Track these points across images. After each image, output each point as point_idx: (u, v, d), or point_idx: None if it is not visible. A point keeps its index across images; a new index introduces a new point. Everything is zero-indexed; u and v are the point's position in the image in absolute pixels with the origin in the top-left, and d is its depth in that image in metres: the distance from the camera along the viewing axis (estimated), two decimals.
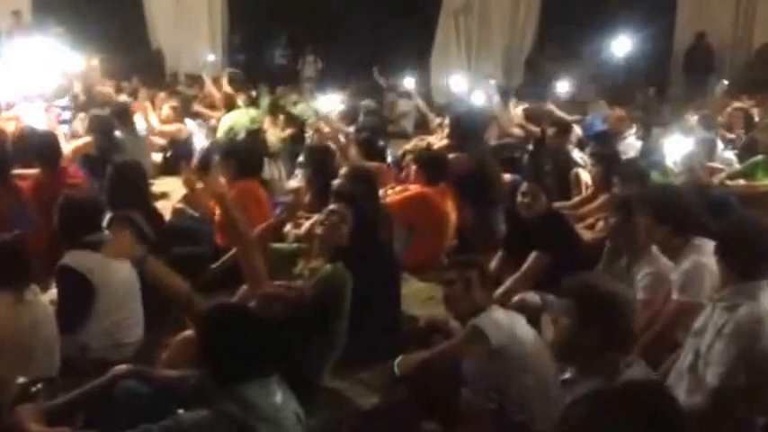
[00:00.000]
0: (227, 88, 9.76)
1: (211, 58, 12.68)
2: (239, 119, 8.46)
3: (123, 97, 9.58)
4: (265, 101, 9.60)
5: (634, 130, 8.05)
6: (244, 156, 5.33)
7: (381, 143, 6.92)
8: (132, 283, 3.75)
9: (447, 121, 7.20)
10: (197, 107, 9.77)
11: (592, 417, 1.56)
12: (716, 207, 4.29)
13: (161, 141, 8.45)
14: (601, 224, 5.09)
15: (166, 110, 8.92)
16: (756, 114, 9.16)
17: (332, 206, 3.95)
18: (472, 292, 3.10)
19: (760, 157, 6.29)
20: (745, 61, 13.65)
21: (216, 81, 10.26)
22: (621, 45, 12.24)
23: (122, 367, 2.81)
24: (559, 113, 8.86)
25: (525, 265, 4.37)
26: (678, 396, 2.78)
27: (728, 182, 6.09)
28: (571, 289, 2.52)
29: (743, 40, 13.73)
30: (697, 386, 2.75)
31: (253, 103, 8.88)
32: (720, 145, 7.22)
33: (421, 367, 2.99)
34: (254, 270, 3.53)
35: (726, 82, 9.90)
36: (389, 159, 7.12)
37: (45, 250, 4.10)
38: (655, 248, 3.63)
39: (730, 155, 7.08)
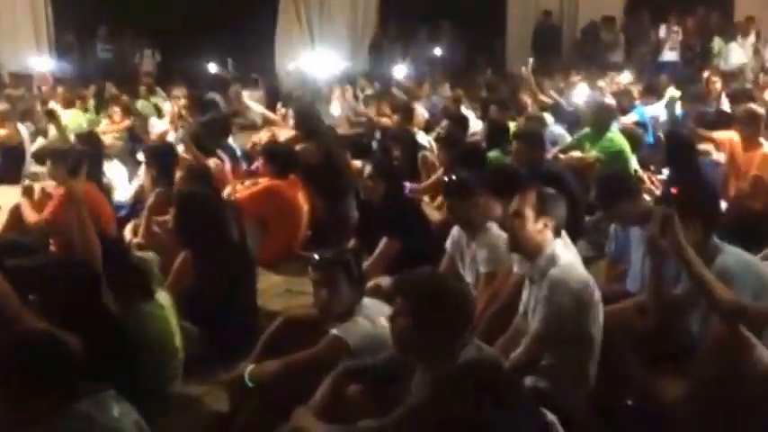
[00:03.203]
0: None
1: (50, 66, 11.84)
2: (73, 120, 7.98)
3: None
4: (91, 101, 9.16)
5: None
6: (75, 158, 5.02)
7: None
8: None
9: (291, 112, 7.18)
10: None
11: (435, 401, 1.61)
12: (548, 180, 4.55)
13: None
14: None
15: None
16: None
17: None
18: (340, 293, 3.05)
19: (587, 129, 6.74)
20: (572, 39, 14.57)
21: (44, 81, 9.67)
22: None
23: None
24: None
25: (377, 251, 4.45)
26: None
27: (561, 155, 6.50)
28: (402, 289, 2.50)
29: (570, 18, 14.64)
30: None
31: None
32: (550, 119, 7.69)
33: (276, 378, 2.93)
34: None
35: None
36: (238, 153, 7.00)
37: None
38: (491, 223, 3.83)
39: (561, 129, 7.55)
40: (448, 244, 4.14)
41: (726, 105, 7.96)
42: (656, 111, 8.43)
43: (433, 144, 7.01)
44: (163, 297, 3.35)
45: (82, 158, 4.75)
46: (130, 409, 2.26)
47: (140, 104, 9.83)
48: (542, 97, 8.48)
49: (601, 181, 4.15)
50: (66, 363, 2.14)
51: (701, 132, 6.26)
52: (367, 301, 3.16)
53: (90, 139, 6.42)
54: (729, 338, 2.55)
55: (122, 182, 6.30)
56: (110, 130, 8.45)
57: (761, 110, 5.91)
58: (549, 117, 7.76)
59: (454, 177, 4.10)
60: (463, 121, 7.41)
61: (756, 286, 3.02)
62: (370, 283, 4.11)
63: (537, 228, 2.97)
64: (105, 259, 3.36)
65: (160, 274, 3.75)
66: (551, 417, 2.61)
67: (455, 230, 4.11)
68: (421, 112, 8.61)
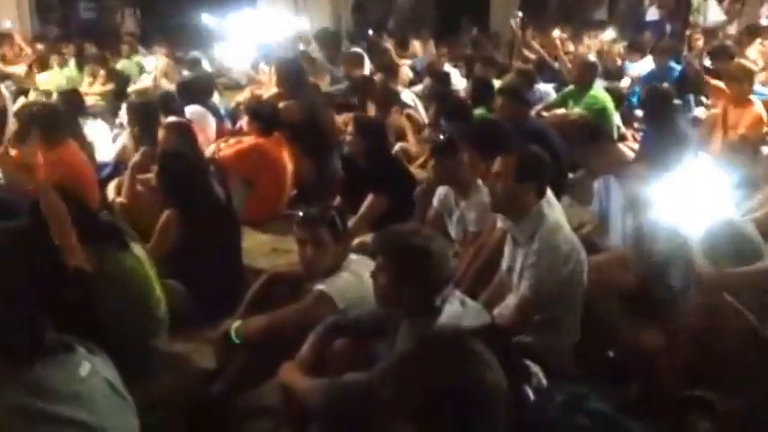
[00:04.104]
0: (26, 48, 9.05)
1: (7, 24, 11.46)
2: (53, 79, 7.85)
3: None
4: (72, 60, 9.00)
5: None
6: (49, 119, 4.93)
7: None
8: None
9: (273, 69, 7.09)
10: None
11: (418, 366, 1.62)
12: (532, 137, 4.55)
13: None
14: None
15: None
16: (571, 45, 9.79)
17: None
18: (326, 250, 3.02)
19: (570, 86, 6.72)
20: None
21: (25, 40, 9.49)
22: None
23: None
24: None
25: (362, 209, 4.46)
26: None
27: (544, 113, 6.48)
28: (382, 246, 2.49)
29: None
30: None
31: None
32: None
33: (263, 334, 2.93)
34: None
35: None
36: (222, 112, 6.94)
37: None
38: (479, 181, 3.82)
39: (548, 87, 7.52)
40: (435, 201, 4.14)
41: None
42: (641, 68, 8.41)
43: (418, 102, 6.98)
44: (138, 249, 3.31)
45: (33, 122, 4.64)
46: (104, 365, 2.12)
47: (123, 64, 9.68)
48: (527, 53, 8.42)
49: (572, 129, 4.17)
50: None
51: (710, 80, 6.22)
52: (353, 257, 3.16)
53: (72, 97, 6.32)
54: (713, 303, 2.60)
55: (105, 141, 6.22)
56: (93, 92, 8.34)
57: (753, 66, 5.90)
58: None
59: (442, 136, 4.08)
60: (445, 78, 7.37)
61: (738, 241, 3.07)
62: (355, 241, 4.13)
63: (520, 191, 2.98)
64: (74, 215, 3.28)
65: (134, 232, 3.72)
66: (535, 368, 2.65)
67: (442, 188, 4.12)
68: (405, 70, 8.55)
